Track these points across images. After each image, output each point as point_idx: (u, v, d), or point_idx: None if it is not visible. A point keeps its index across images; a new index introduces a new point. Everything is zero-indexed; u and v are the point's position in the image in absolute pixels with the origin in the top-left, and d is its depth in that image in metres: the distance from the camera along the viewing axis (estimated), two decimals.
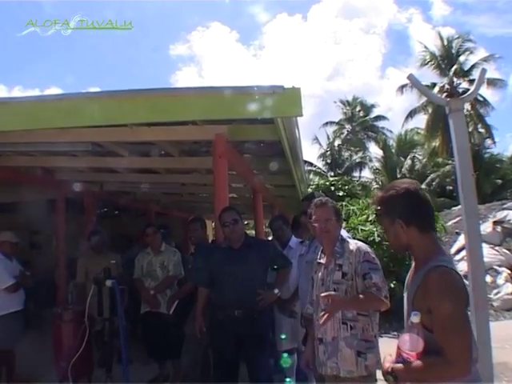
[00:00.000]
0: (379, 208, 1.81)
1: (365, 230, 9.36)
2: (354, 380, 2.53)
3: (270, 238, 6.01)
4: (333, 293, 2.46)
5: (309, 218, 2.82)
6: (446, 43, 24.47)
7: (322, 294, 2.43)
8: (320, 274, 2.71)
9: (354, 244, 2.70)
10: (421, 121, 25.91)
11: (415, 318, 1.59)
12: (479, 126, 23.83)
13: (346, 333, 2.54)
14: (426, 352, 1.59)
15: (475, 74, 20.37)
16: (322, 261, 2.75)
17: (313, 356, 2.77)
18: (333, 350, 2.56)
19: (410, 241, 1.72)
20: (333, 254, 2.67)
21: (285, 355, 3.06)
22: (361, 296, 2.50)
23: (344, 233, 2.96)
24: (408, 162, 24.31)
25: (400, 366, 1.66)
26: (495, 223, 11.20)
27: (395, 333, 6.67)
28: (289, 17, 75.74)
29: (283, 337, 3.88)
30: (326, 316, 2.37)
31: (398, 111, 56.03)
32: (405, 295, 1.80)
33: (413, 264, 1.81)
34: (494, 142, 24.06)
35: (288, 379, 3.20)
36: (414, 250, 1.75)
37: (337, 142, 30.68)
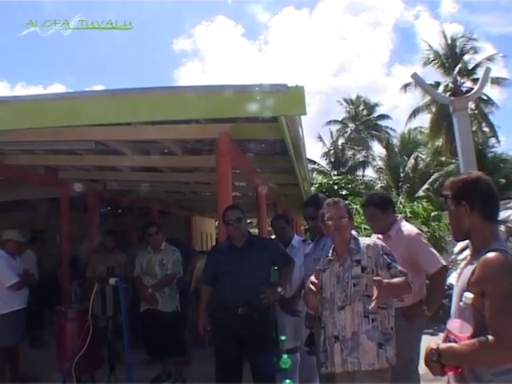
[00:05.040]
0: (448, 192, 1.82)
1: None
2: (373, 374, 2.50)
3: (273, 237, 5.99)
4: (379, 278, 2.41)
5: (321, 217, 2.83)
6: (450, 42, 24.34)
7: (374, 278, 2.38)
8: (335, 271, 2.68)
9: (368, 240, 2.79)
10: (424, 120, 25.85)
11: (468, 299, 1.57)
12: (483, 124, 23.70)
13: (368, 326, 2.54)
14: (475, 336, 1.57)
15: (479, 73, 20.25)
16: (335, 258, 2.72)
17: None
18: (353, 345, 2.54)
19: (471, 226, 1.73)
20: (348, 251, 2.68)
21: (284, 356, 3.05)
22: (396, 280, 2.50)
23: (353, 232, 2.94)
24: (411, 161, 24.16)
25: (447, 345, 1.63)
26: (499, 222, 11.14)
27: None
28: (295, 10, 75.32)
29: (283, 338, 3.88)
30: (376, 299, 2.36)
31: (404, 109, 55.87)
32: (456, 285, 1.79)
33: (468, 253, 1.81)
34: (499, 141, 23.99)
35: (288, 381, 3.18)
36: (473, 236, 1.75)
37: (340, 141, 30.62)
